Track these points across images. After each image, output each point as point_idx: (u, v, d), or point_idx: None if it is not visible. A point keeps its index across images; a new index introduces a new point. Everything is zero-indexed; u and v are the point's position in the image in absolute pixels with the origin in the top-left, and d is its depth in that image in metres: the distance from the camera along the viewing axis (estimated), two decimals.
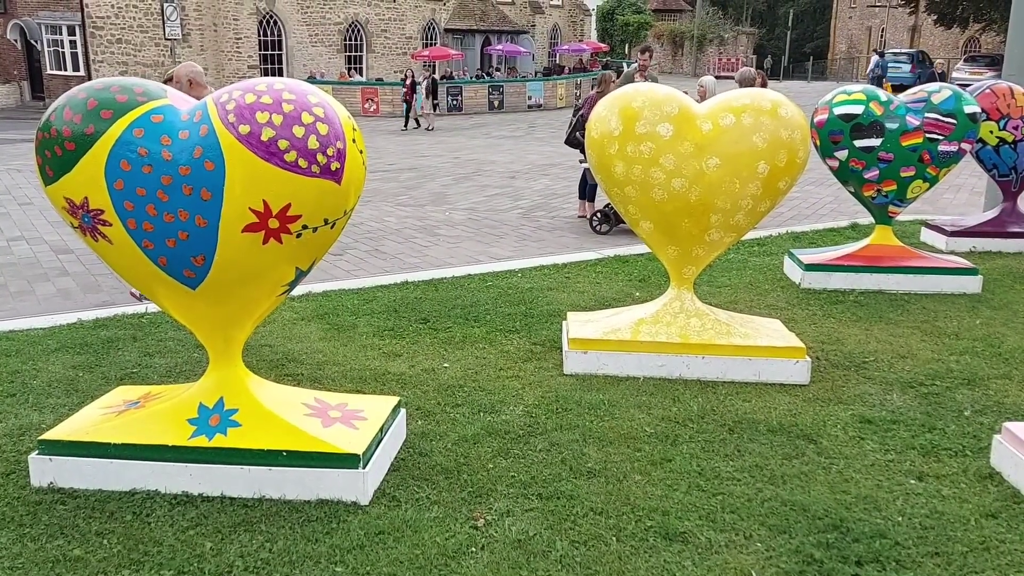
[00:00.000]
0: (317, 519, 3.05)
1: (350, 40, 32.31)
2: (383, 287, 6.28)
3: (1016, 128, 7.47)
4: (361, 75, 31.82)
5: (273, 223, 3.00)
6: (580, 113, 10.20)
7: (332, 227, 3.13)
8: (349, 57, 32.13)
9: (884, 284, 6.31)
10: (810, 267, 6.40)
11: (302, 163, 2.93)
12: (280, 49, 30.50)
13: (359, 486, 3.14)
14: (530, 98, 28.72)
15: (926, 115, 6.10)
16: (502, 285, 6.39)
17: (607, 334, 4.58)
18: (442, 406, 4.05)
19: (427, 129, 22.06)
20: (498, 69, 34.11)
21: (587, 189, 9.91)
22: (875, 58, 29.19)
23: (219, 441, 3.23)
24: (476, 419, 3.90)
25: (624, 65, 32.49)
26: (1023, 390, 4.43)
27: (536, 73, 34.70)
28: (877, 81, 26.42)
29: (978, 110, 6.19)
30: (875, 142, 6.12)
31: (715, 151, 4.33)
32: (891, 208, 6.44)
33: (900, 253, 6.48)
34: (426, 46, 33.32)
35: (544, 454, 3.57)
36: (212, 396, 3.35)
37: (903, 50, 35.49)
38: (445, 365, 4.63)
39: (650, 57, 11.13)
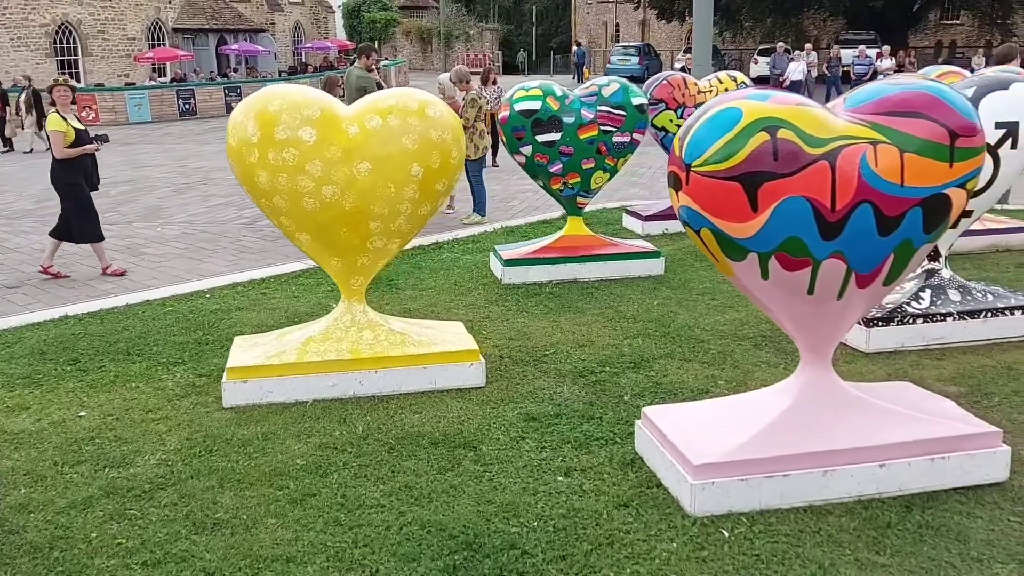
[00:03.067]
0: None
1: (61, 43, 29.08)
2: (34, 325, 5.48)
3: None
4: (79, 81, 28.75)
5: None
6: None
7: None
8: (62, 62, 28.90)
9: (579, 274, 6.49)
10: (509, 262, 6.45)
11: None
12: None
13: None
14: None
15: (599, 108, 6.33)
16: (183, 309, 5.82)
17: (271, 358, 4.24)
18: (59, 466, 3.50)
19: (26, 152, 17.74)
20: (235, 70, 32.31)
21: None
22: (575, 48, 32.25)
23: None
24: (97, 477, 3.40)
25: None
26: (681, 367, 4.66)
27: (280, 73, 33.32)
28: (578, 69, 29.17)
29: (645, 101, 6.53)
30: (555, 136, 6.27)
31: (364, 155, 4.11)
32: (579, 199, 6.64)
33: (592, 242, 6.71)
34: (153, 47, 30.81)
35: (168, 510, 3.16)
36: None
37: (631, 44, 38.12)
38: (82, 414, 4.04)
39: (369, 58, 10.84)
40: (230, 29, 33.60)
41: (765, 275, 3.14)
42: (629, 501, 3.23)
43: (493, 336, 5.24)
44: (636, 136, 6.47)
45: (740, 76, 8.15)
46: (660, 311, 5.67)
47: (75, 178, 7.52)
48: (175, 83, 27.42)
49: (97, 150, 7.61)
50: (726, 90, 8.01)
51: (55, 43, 28.79)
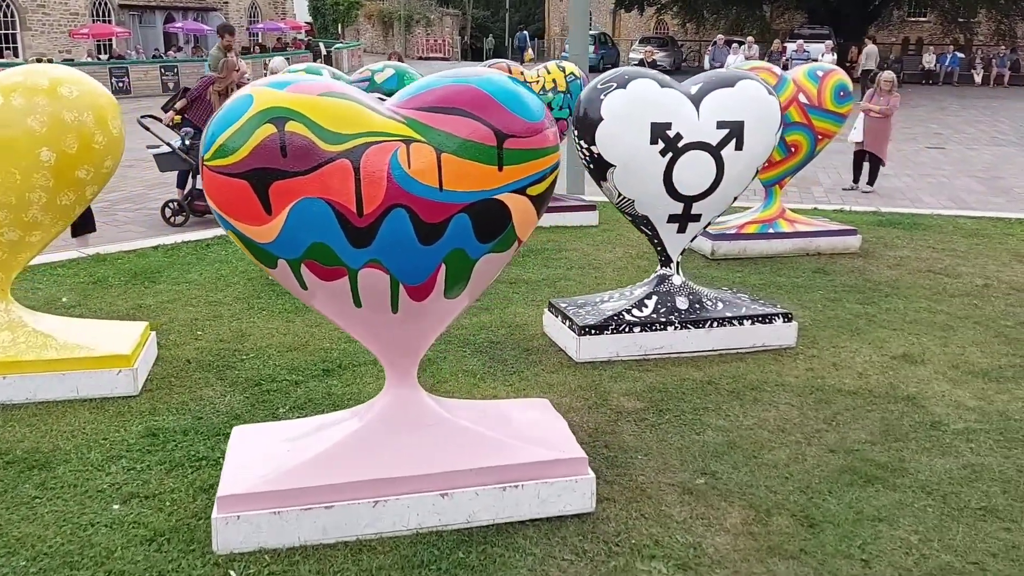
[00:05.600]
0: None
1: None
2: None
3: None
4: (18, 56, 28.15)
5: None
6: (189, 94, 9.49)
7: None
8: None
9: None
10: None
11: None
12: None
13: None
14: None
15: (371, 95, 5.95)
16: None
17: None
18: None
19: None
20: (180, 49, 31.66)
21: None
22: (517, 33, 33.19)
23: None
24: None
25: (320, 46, 31.55)
26: (374, 376, 4.28)
27: None
28: (520, 52, 30.03)
29: None
30: None
31: None
32: None
33: None
34: (96, 23, 30.17)
35: None
36: None
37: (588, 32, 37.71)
38: None
39: (223, 39, 10.42)
40: (179, 7, 32.97)
41: (303, 284, 2.79)
42: (162, 535, 2.89)
43: (205, 336, 4.88)
44: None
45: (570, 67, 7.75)
46: None
47: None
48: (111, 60, 26.81)
49: None
50: (553, 81, 7.64)
51: None
